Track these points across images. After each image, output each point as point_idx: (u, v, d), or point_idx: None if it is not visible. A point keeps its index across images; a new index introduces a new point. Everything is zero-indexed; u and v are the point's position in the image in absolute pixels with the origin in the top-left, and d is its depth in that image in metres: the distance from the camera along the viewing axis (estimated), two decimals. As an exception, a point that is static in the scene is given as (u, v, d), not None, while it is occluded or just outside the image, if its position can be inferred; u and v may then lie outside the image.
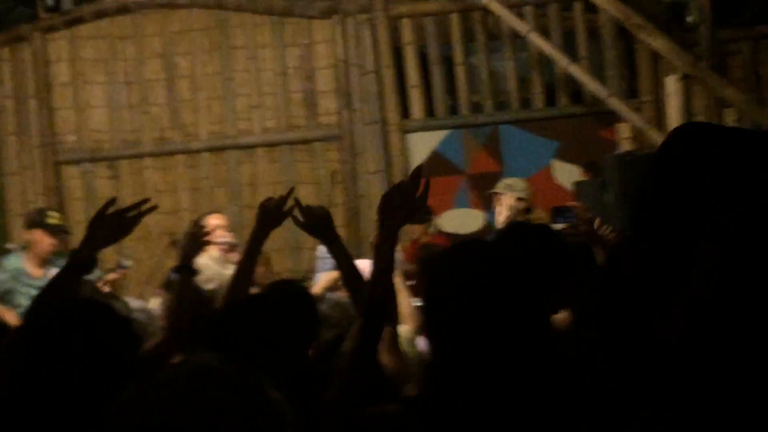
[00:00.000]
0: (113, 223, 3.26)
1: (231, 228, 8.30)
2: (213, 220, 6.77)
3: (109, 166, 9.93)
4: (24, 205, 9.83)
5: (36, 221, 7.11)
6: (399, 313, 3.96)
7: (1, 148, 9.89)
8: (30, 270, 6.96)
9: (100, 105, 9.96)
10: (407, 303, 4.32)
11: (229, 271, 5.46)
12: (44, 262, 6.99)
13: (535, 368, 2.09)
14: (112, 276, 6.95)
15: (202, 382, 1.42)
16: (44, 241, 7.02)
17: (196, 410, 1.36)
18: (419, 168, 2.96)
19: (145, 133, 9.95)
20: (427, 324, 2.27)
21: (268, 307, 3.27)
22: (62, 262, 7.04)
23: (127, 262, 7.26)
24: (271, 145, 9.82)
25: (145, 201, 3.33)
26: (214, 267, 6.28)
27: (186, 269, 3.58)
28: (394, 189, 2.96)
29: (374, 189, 9.59)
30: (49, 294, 3.08)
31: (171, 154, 9.91)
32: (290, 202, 3.63)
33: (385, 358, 3.49)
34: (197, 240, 3.68)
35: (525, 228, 4.02)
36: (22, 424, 2.41)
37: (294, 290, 3.60)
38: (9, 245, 7.81)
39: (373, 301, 2.77)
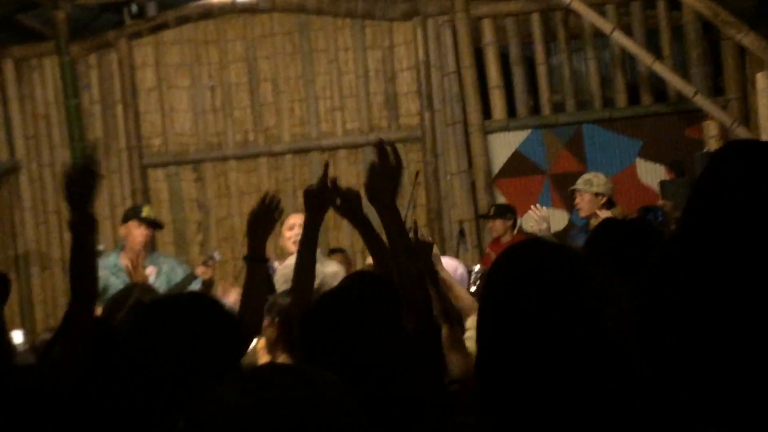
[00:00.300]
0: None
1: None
2: (293, 220, 6.83)
3: (194, 169, 10.06)
4: (112, 209, 10.01)
5: (129, 214, 7.31)
6: (460, 308, 3.92)
7: (90, 152, 10.06)
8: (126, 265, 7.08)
9: (185, 109, 10.10)
10: (465, 295, 4.23)
11: (331, 267, 5.48)
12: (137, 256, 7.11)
13: (600, 378, 2.03)
14: (201, 269, 7.04)
15: (280, 379, 1.44)
16: (137, 232, 7.17)
17: (276, 406, 1.38)
18: (380, 142, 3.20)
19: (229, 136, 10.06)
20: (479, 328, 2.21)
21: (354, 301, 3.26)
22: (156, 260, 7.26)
23: (217, 255, 7.36)
24: (353, 146, 9.87)
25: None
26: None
27: (254, 258, 3.47)
28: (371, 173, 3.10)
29: (456, 189, 9.59)
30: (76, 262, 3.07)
31: (254, 156, 10.02)
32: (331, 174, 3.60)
33: (451, 357, 3.45)
34: (263, 221, 3.53)
35: (619, 224, 3.95)
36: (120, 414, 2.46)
37: (377, 280, 3.56)
38: (99, 246, 7.94)
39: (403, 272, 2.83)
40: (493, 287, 2.21)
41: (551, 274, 2.13)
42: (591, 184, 7.34)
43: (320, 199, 3.51)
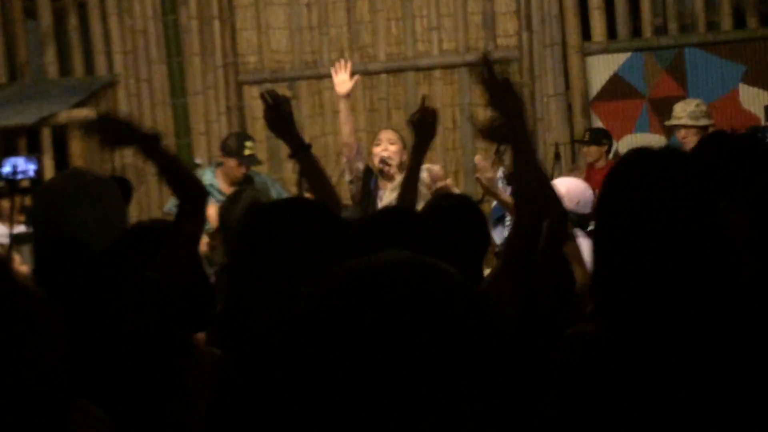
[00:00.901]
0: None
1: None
2: (382, 135, 6.83)
3: (290, 87, 10.06)
4: (207, 125, 10.09)
5: (232, 150, 7.37)
6: None
7: (186, 68, 10.13)
8: (222, 187, 7.23)
9: (281, 26, 10.09)
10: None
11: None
12: (234, 184, 7.27)
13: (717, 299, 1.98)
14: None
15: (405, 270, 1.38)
16: (237, 169, 7.31)
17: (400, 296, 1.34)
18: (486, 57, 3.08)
19: (324, 54, 10.03)
20: (596, 238, 2.17)
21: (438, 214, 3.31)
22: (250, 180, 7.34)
23: None
24: (449, 67, 9.78)
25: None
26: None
27: (296, 151, 3.55)
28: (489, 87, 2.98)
29: (552, 112, 9.47)
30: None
31: (350, 75, 9.96)
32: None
33: (577, 272, 3.46)
34: (279, 116, 3.59)
35: (727, 137, 3.85)
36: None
37: (464, 201, 3.66)
38: (197, 160, 8.06)
39: None
40: (608, 197, 2.18)
41: (667, 181, 2.09)
42: (696, 116, 7.19)
43: (427, 127, 3.75)
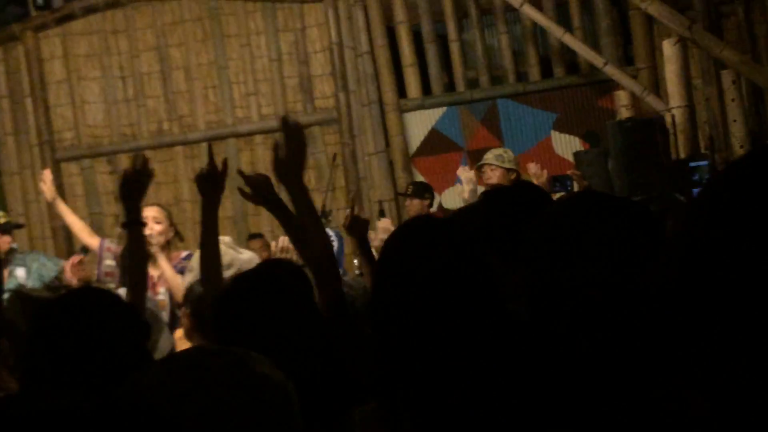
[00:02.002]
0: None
1: (233, 217, 8.28)
2: (149, 212, 6.52)
3: (109, 161, 9.92)
4: (25, 205, 9.84)
5: None
6: None
7: (0, 148, 9.87)
8: None
9: (96, 100, 9.95)
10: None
11: (246, 254, 5.40)
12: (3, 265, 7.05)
13: (486, 354, 2.02)
14: (69, 273, 6.86)
15: (208, 360, 1.40)
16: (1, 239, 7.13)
17: (206, 387, 1.35)
18: (284, 119, 3.16)
19: (143, 126, 9.93)
20: (372, 307, 2.20)
21: (264, 284, 3.25)
22: (23, 260, 7.12)
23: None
24: (269, 131, 9.79)
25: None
26: (230, 252, 6.16)
27: (132, 222, 3.49)
28: (278, 151, 3.07)
29: (374, 170, 9.58)
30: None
31: (170, 145, 9.90)
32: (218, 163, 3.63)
33: None
34: (136, 184, 3.51)
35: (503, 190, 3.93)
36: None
37: (288, 265, 3.57)
38: (13, 245, 7.80)
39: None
40: (385, 264, 2.21)
41: (441, 250, 2.13)
42: (503, 159, 7.38)
43: (212, 182, 3.57)
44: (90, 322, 2.55)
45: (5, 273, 6.97)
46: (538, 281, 1.97)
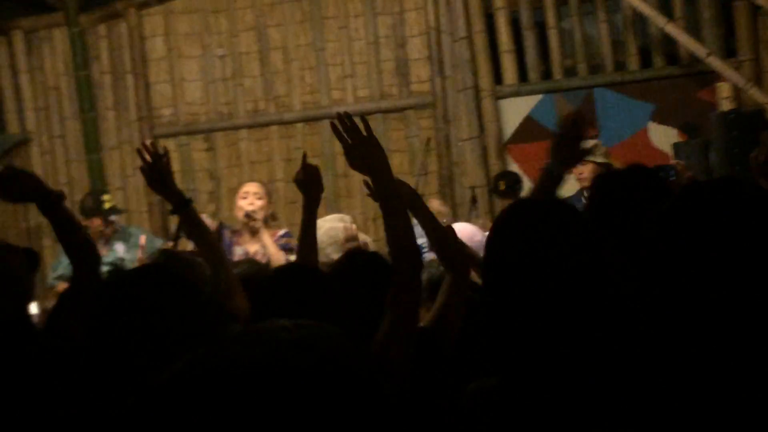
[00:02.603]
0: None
1: (324, 199, 8.32)
2: (247, 188, 6.59)
3: (205, 139, 10.05)
4: (124, 179, 10.03)
5: (92, 210, 7.32)
6: None
7: (100, 123, 10.06)
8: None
9: (195, 79, 10.08)
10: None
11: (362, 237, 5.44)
12: (106, 241, 7.22)
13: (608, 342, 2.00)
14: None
15: (286, 332, 1.35)
16: (104, 228, 7.27)
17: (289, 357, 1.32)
18: (340, 115, 3.09)
19: (240, 105, 10.04)
20: (488, 285, 2.19)
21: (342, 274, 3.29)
22: (124, 234, 7.26)
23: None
24: (364, 114, 9.75)
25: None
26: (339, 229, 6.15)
27: (179, 207, 3.54)
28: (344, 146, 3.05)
29: (467, 156, 9.56)
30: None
31: (265, 125, 10.00)
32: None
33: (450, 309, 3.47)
34: (157, 172, 3.54)
35: (620, 172, 3.89)
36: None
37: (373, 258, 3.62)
38: (112, 218, 7.95)
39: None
40: (494, 248, 2.21)
41: (554, 230, 2.13)
42: (593, 154, 7.30)
43: (313, 184, 3.76)
44: (142, 301, 2.56)
45: (104, 249, 7.15)
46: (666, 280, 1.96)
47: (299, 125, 9.95)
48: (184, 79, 10.08)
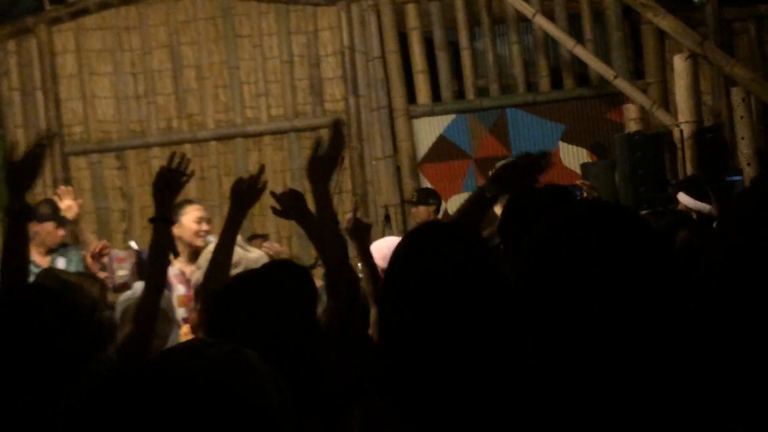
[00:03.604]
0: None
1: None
2: (200, 213, 6.52)
3: (117, 157, 9.95)
4: (32, 197, 9.84)
5: (48, 215, 7.16)
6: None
7: (9, 140, 9.90)
8: (36, 259, 7.00)
9: (107, 96, 9.98)
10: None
11: (254, 253, 5.41)
12: (48, 251, 7.09)
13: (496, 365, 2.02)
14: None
15: (202, 352, 1.40)
16: (56, 233, 7.10)
17: (199, 380, 1.35)
18: (337, 122, 3.12)
19: (152, 123, 9.96)
20: (381, 308, 2.21)
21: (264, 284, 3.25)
22: (66, 252, 7.17)
23: (134, 245, 7.31)
24: (278, 132, 9.83)
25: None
26: (239, 251, 6.16)
27: (160, 219, 3.46)
28: (317, 149, 3.12)
29: (381, 174, 9.60)
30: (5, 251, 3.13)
31: (178, 143, 9.90)
32: (262, 182, 3.72)
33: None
34: (172, 182, 3.51)
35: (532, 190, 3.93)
36: None
37: (291, 268, 3.58)
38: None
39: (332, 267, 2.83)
40: (395, 270, 2.22)
41: (450, 253, 2.15)
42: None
43: (248, 195, 3.66)
44: (25, 324, 2.50)
45: (47, 260, 7.03)
46: (538, 288, 1.98)
47: (213, 143, 9.90)
48: (96, 96, 9.97)
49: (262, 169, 3.73)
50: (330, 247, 2.96)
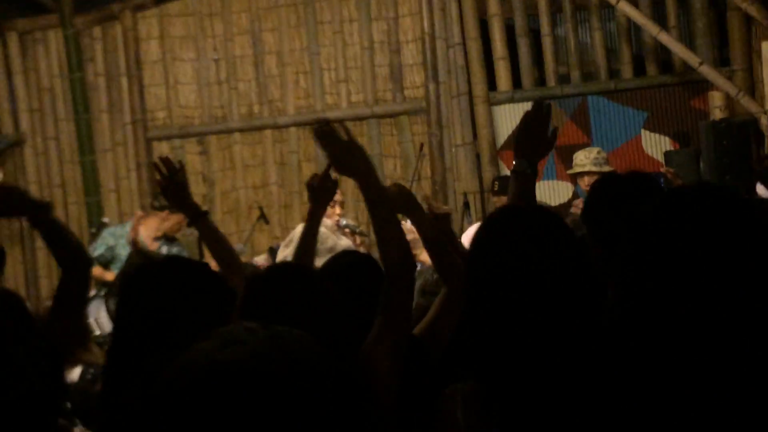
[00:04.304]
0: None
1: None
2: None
3: (199, 142, 10.06)
4: (117, 181, 10.03)
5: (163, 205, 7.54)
6: None
7: (94, 125, 10.07)
8: (147, 242, 7.35)
9: (189, 82, 10.09)
10: None
11: (344, 241, 5.48)
12: (168, 240, 7.45)
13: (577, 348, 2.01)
14: None
15: (249, 334, 1.37)
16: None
17: (246, 361, 1.33)
18: (319, 123, 3.01)
19: (234, 108, 10.05)
20: (469, 290, 2.20)
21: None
22: (168, 243, 7.46)
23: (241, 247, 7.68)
24: (357, 119, 9.85)
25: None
26: (332, 236, 6.27)
27: (196, 218, 3.60)
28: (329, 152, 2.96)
29: (461, 161, 9.57)
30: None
31: (259, 129, 10.01)
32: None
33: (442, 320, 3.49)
34: (174, 186, 3.62)
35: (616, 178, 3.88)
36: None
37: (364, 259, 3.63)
38: (104, 219, 8.01)
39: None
40: (477, 255, 2.22)
41: (533, 236, 2.15)
42: (600, 163, 7.35)
43: (322, 191, 3.73)
44: (173, 291, 2.61)
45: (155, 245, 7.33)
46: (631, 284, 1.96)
47: (293, 129, 9.96)
48: (179, 82, 10.09)
49: (329, 167, 3.73)
50: (384, 228, 2.88)
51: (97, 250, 7.57)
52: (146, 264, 2.91)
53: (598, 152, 7.52)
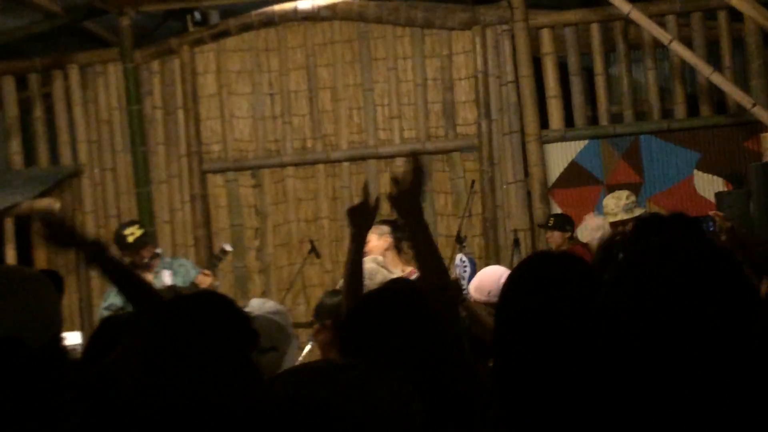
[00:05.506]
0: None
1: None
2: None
3: (253, 175, 10.17)
4: (171, 213, 10.16)
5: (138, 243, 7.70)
6: None
7: (150, 157, 10.22)
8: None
9: (245, 116, 10.22)
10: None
11: (396, 273, 5.50)
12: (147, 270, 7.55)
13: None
14: (200, 278, 7.39)
15: (332, 374, 1.43)
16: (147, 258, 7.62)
17: (327, 402, 1.38)
18: (414, 153, 3.08)
19: (287, 142, 10.16)
20: (495, 339, 2.22)
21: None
22: (171, 264, 7.58)
23: (228, 247, 7.78)
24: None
25: None
26: (383, 271, 6.29)
27: (96, 256, 3.42)
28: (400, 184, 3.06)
29: (512, 199, 9.59)
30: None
31: (312, 163, 10.10)
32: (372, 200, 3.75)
33: None
34: (57, 226, 3.49)
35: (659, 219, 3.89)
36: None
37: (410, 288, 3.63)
38: (157, 250, 8.11)
39: None
40: (507, 299, 2.25)
41: (560, 283, 2.17)
42: (631, 209, 7.33)
43: (362, 219, 3.68)
44: (194, 325, 2.64)
45: (151, 276, 7.35)
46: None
47: (345, 164, 10.04)
48: (234, 116, 10.23)
49: (366, 190, 3.77)
50: (432, 273, 2.93)
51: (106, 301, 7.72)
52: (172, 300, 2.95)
53: (627, 197, 7.47)
